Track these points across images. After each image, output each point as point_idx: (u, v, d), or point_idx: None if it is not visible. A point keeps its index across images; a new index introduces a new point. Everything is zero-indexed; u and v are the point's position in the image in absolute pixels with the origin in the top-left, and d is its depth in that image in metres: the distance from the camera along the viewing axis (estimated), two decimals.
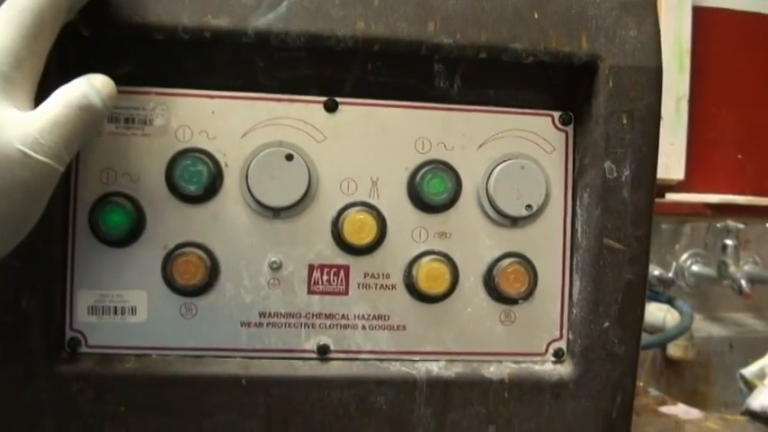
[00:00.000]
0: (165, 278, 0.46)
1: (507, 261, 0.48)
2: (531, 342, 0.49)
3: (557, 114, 0.49)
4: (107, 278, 0.46)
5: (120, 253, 0.46)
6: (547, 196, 0.48)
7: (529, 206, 0.48)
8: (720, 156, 1.23)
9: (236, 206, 0.47)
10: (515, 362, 0.49)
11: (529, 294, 0.49)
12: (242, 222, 0.47)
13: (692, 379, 1.06)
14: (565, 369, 0.49)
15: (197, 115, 0.47)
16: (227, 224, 0.47)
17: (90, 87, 0.39)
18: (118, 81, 0.45)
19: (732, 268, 1.07)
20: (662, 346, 1.00)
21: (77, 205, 0.46)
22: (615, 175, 0.47)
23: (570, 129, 0.49)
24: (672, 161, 1.16)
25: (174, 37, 0.44)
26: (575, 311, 0.49)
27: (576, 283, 0.49)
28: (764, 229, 1.13)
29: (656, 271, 1.05)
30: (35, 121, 0.37)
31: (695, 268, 1.14)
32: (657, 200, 1.16)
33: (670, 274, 1.06)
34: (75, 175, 0.46)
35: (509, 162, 0.48)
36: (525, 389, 0.48)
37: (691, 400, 0.92)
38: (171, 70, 0.46)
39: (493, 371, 0.48)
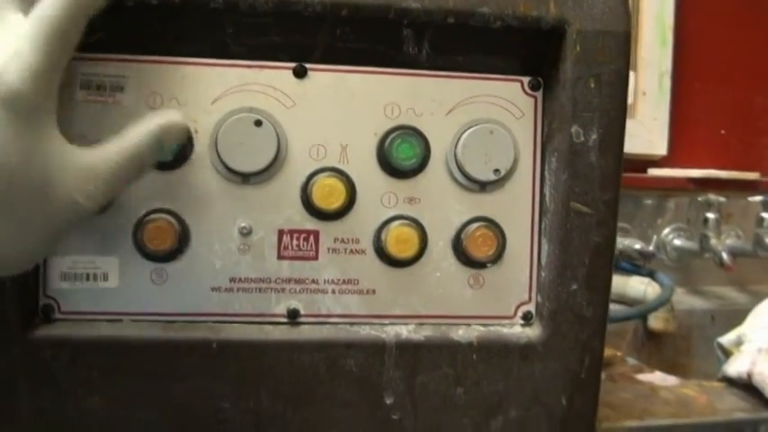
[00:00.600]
0: (136, 244, 0.46)
1: (475, 225, 0.48)
2: (500, 305, 0.50)
3: (526, 80, 0.49)
4: (79, 245, 0.47)
5: (91, 220, 0.46)
6: (515, 161, 0.49)
7: (497, 170, 0.48)
8: (704, 131, 1.23)
9: (206, 172, 0.47)
10: (484, 325, 0.50)
11: (497, 258, 0.49)
12: (212, 188, 0.47)
13: (674, 351, 1.07)
14: (533, 332, 0.49)
15: (167, 82, 0.47)
16: (197, 190, 0.47)
17: (159, 144, 0.40)
18: (89, 48, 0.46)
19: (713, 241, 1.07)
20: (643, 318, 1.00)
21: None
22: (582, 139, 0.47)
23: (539, 94, 0.50)
24: (654, 136, 1.17)
25: (143, 3, 0.44)
26: (543, 275, 0.50)
27: (545, 247, 0.49)
28: (747, 203, 1.14)
29: (636, 245, 1.05)
30: (94, 167, 0.37)
31: (677, 242, 1.15)
32: (640, 175, 1.18)
33: (651, 248, 1.06)
34: None
35: (477, 127, 0.48)
36: (493, 351, 0.49)
37: (672, 372, 0.93)
38: (141, 37, 0.47)
39: (461, 334, 0.49)
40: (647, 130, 1.16)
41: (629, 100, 1.15)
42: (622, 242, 1.07)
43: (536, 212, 0.50)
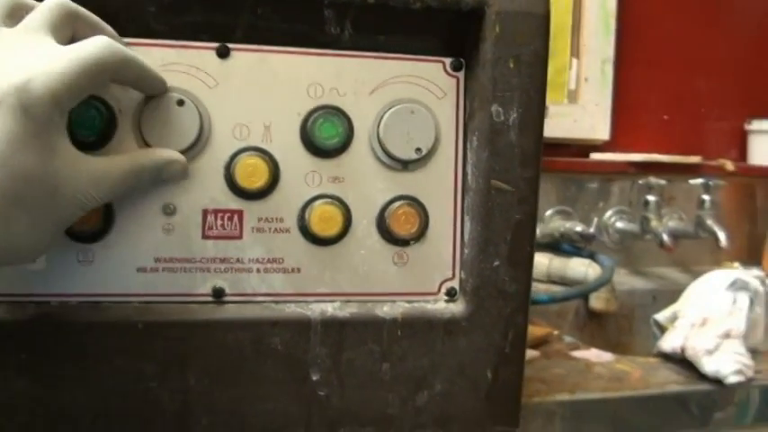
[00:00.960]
0: None
1: (398, 203, 0.49)
2: (424, 282, 0.51)
3: (448, 60, 0.50)
4: None
5: None
6: (437, 140, 0.50)
7: (418, 149, 0.49)
8: (646, 116, 1.26)
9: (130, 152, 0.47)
10: (408, 301, 0.50)
11: (420, 235, 0.50)
12: None
13: (616, 331, 1.09)
14: (457, 307, 0.50)
15: None
16: None
17: (159, 172, 0.46)
18: None
19: (654, 223, 1.09)
20: (584, 298, 1.02)
21: None
22: (502, 118, 0.48)
23: (461, 74, 0.50)
24: (597, 121, 1.19)
25: None
26: (466, 251, 0.50)
27: (467, 224, 0.50)
28: (689, 186, 1.16)
29: (577, 227, 1.07)
30: (101, 174, 0.41)
31: (619, 224, 1.17)
32: (582, 159, 1.19)
33: (592, 230, 1.08)
34: None
35: (399, 107, 0.49)
36: (418, 327, 0.49)
37: (615, 352, 0.95)
38: None
39: (386, 310, 0.49)
40: (589, 116, 1.18)
41: (572, 86, 1.17)
42: (564, 225, 1.09)
43: (458, 190, 0.51)
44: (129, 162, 0.44)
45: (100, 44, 0.39)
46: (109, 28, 0.45)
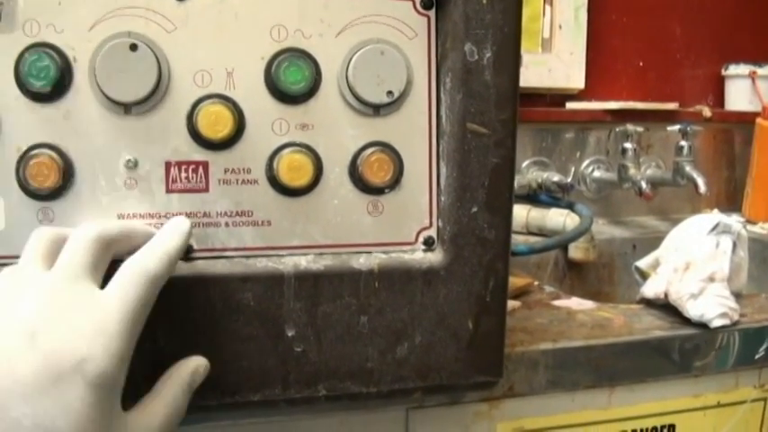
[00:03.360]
0: (20, 182, 0.44)
1: (371, 150, 0.47)
2: (401, 231, 0.49)
3: None
4: None
5: None
6: (408, 83, 0.48)
7: (390, 92, 0.47)
8: (621, 64, 1.24)
9: (88, 103, 0.45)
10: (385, 252, 0.49)
11: (395, 183, 0.48)
12: (94, 120, 0.45)
13: (596, 280, 1.09)
14: (435, 257, 0.49)
15: (44, 8, 0.44)
16: (79, 123, 0.45)
17: (191, 388, 0.44)
18: None
19: (632, 171, 1.08)
20: (562, 247, 1.01)
21: None
22: (476, 57, 0.46)
23: (432, 13, 0.48)
24: (572, 70, 1.17)
25: None
26: (443, 198, 0.49)
27: (443, 170, 0.49)
28: (666, 134, 1.15)
29: (555, 177, 1.06)
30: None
31: (597, 174, 1.16)
32: (558, 109, 1.18)
33: (569, 180, 1.07)
34: None
35: (368, 48, 0.47)
36: (396, 278, 0.48)
37: (596, 299, 0.95)
38: None
39: (362, 262, 0.48)
40: (564, 65, 1.16)
41: (546, 34, 1.15)
42: (541, 175, 1.08)
43: (433, 135, 0.49)
44: (163, 408, 0.42)
45: (142, 281, 0.39)
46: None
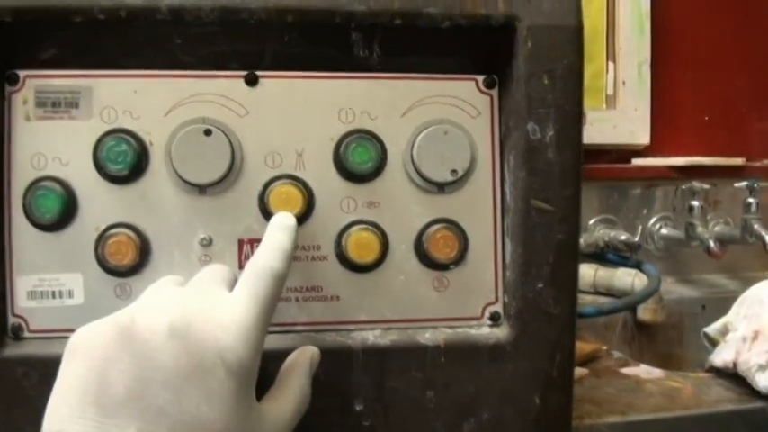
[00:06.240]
0: (98, 260, 0.46)
1: (436, 227, 0.48)
2: (466, 306, 0.49)
3: (480, 78, 0.49)
4: (44, 262, 0.47)
5: (54, 237, 0.47)
6: (472, 161, 0.48)
7: (454, 171, 0.48)
8: (686, 118, 1.23)
9: (164, 185, 0.47)
10: (451, 327, 0.49)
11: (460, 259, 0.49)
12: (170, 200, 0.47)
13: (665, 342, 1.06)
14: (501, 332, 0.49)
15: (120, 96, 0.47)
16: (155, 203, 0.47)
17: (312, 373, 0.44)
18: (43, 65, 0.46)
19: (699, 229, 1.06)
20: (631, 309, 1.00)
21: (11, 192, 0.46)
22: (539, 135, 0.47)
23: (495, 92, 0.49)
24: (636, 126, 1.16)
25: (91, 18, 0.45)
26: (508, 274, 0.49)
27: (508, 246, 0.49)
28: (734, 190, 1.13)
29: (623, 236, 1.04)
30: (279, 419, 0.41)
31: (664, 231, 1.14)
32: (624, 165, 1.17)
33: (637, 239, 1.06)
34: (8, 163, 0.46)
35: (432, 128, 0.48)
36: (462, 353, 0.48)
37: (665, 363, 0.92)
38: (93, 52, 0.47)
39: (428, 337, 0.48)
40: (628, 120, 1.16)
41: (609, 91, 1.15)
42: (608, 233, 1.06)
43: (497, 211, 0.49)
44: (293, 396, 0.43)
45: (268, 277, 0.40)
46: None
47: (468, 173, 0.48)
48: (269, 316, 0.40)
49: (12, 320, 0.47)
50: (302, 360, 0.44)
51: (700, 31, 1.22)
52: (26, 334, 0.47)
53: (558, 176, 0.47)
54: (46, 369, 0.45)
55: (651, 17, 1.16)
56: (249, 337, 0.38)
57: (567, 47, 0.47)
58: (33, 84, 0.46)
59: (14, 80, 0.46)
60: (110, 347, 0.36)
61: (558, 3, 0.47)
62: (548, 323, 0.49)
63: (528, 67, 0.47)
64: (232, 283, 0.42)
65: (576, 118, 0.47)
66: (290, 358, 0.45)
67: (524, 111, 0.47)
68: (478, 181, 0.49)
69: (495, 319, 0.49)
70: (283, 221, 0.44)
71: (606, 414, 0.61)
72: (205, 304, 0.39)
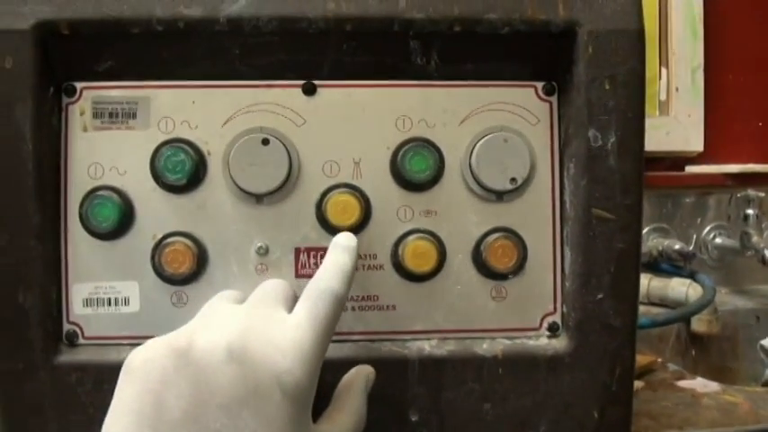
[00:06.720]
0: (155, 268, 0.47)
1: (495, 236, 0.47)
2: (525, 317, 0.49)
3: (539, 85, 0.48)
4: (100, 270, 0.47)
5: (111, 245, 0.47)
6: (532, 169, 0.48)
7: (513, 179, 0.47)
8: (740, 124, 1.20)
9: (221, 194, 0.47)
10: (509, 338, 0.48)
11: (519, 269, 0.48)
12: (227, 210, 0.47)
13: (719, 354, 1.04)
14: (560, 343, 0.48)
15: (178, 106, 0.47)
16: (212, 212, 0.47)
17: (367, 392, 0.44)
18: (100, 77, 0.46)
19: (755, 238, 1.04)
20: (685, 321, 0.97)
21: (68, 201, 0.47)
22: (600, 143, 0.46)
23: (554, 99, 0.49)
24: (690, 133, 1.14)
25: (149, 29, 0.45)
26: (567, 284, 0.48)
27: (567, 255, 0.48)
28: None
29: (676, 245, 1.02)
30: None
31: (718, 241, 1.12)
32: (677, 173, 1.15)
33: (691, 248, 1.03)
34: (65, 172, 0.47)
35: (491, 136, 0.47)
36: (520, 365, 0.47)
37: (720, 376, 0.90)
38: (150, 63, 0.47)
39: (486, 347, 0.47)
40: (682, 127, 1.13)
41: (662, 97, 1.13)
42: (662, 243, 1.04)
43: (557, 220, 0.49)
44: (349, 418, 0.43)
45: (329, 300, 0.40)
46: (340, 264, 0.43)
47: (527, 181, 0.48)
48: (328, 338, 0.40)
49: (67, 327, 0.47)
50: (358, 380, 0.44)
51: (753, 34, 1.19)
52: (81, 341, 0.47)
53: (619, 184, 0.46)
54: (100, 375, 0.46)
55: (704, 21, 1.14)
56: (307, 360, 0.38)
57: (629, 51, 0.46)
58: (90, 95, 0.47)
59: (72, 92, 0.47)
60: (167, 370, 0.36)
61: (619, 6, 0.46)
62: (608, 335, 0.47)
63: (589, 73, 0.46)
64: (291, 301, 0.42)
65: (638, 124, 0.47)
66: (345, 378, 0.44)
67: (585, 117, 0.46)
68: (538, 189, 0.48)
69: (553, 330, 0.49)
70: (345, 242, 0.44)
71: (663, 429, 0.60)
72: (263, 325, 0.38)
